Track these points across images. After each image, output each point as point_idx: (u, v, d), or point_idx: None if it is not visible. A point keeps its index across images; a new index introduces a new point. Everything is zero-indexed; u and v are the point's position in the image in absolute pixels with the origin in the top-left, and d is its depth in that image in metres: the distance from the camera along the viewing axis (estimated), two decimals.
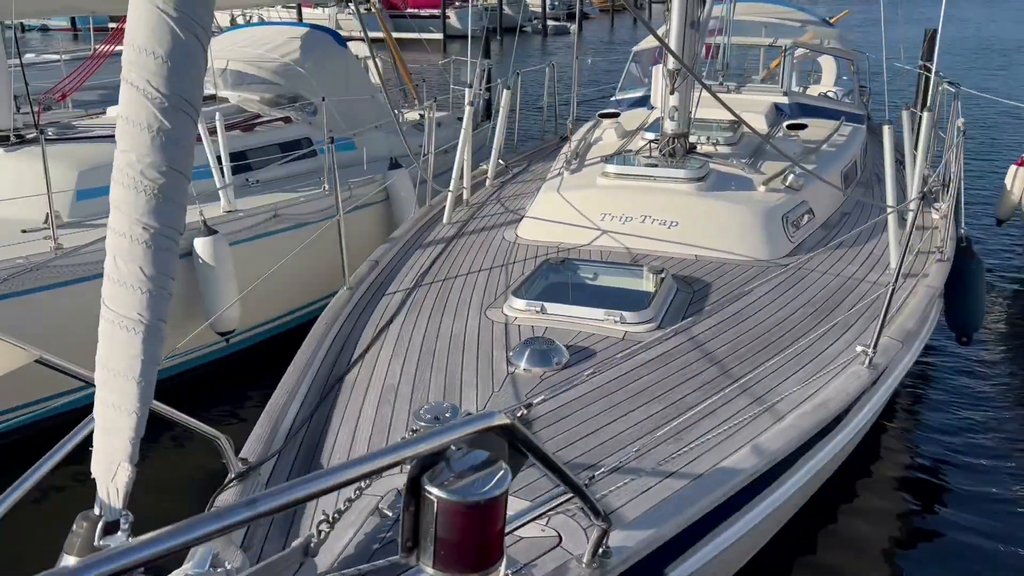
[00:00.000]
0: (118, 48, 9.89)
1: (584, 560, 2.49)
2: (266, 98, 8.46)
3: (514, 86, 9.41)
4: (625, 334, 4.19)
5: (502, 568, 1.55)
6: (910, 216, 5.17)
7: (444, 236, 6.07)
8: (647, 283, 4.69)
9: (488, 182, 7.53)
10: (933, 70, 8.55)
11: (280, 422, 3.45)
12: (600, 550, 2.52)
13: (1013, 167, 9.22)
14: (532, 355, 3.84)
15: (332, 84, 8.69)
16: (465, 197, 6.90)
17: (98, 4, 7.74)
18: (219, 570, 2.26)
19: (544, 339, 3.98)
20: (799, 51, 10.66)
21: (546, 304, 4.37)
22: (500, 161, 7.97)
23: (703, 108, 7.36)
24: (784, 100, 8.19)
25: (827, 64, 11.91)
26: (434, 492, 1.45)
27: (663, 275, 4.76)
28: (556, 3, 49.90)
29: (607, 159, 6.14)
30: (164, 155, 1.62)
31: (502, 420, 1.53)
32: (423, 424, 3.12)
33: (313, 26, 9.43)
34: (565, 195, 5.85)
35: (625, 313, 4.25)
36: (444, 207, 6.47)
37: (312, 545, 2.51)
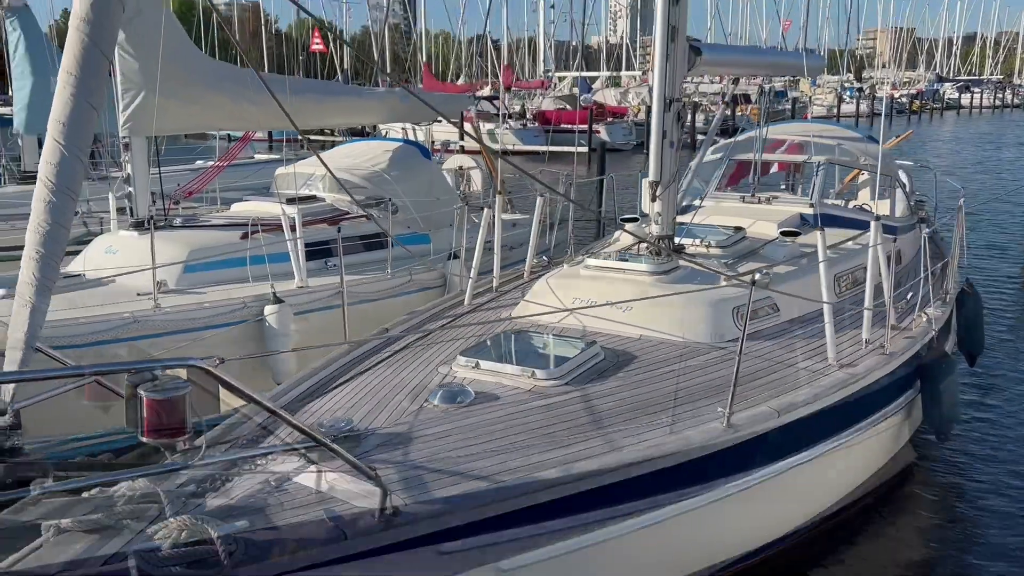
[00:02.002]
0: (236, 161, 12.06)
1: (375, 515, 3.52)
2: (357, 199, 10.11)
3: (568, 192, 10.58)
4: (533, 387, 5.18)
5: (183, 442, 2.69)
6: (825, 310, 5.90)
7: (456, 313, 7.25)
8: (574, 351, 5.65)
9: (526, 275, 8.69)
10: None
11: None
12: (388, 509, 3.54)
13: None
14: (443, 395, 4.92)
15: (414, 188, 10.28)
16: (495, 285, 8.07)
17: (224, 123, 9.75)
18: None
19: (457, 384, 5.05)
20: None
21: (481, 361, 5.44)
22: (544, 257, 9.14)
23: (712, 215, 8.30)
24: (809, 211, 8.95)
25: (902, 179, 12.46)
26: (140, 392, 2.63)
27: (592, 346, 5.72)
28: (710, 118, 51.22)
29: (595, 255, 7.19)
30: (50, 216, 2.95)
31: (197, 363, 2.68)
32: (323, 429, 4.28)
33: (406, 141, 11.13)
34: (552, 283, 6.92)
35: (537, 371, 5.25)
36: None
37: (198, 489, 3.70)
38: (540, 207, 8.72)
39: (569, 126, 38.74)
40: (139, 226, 8.61)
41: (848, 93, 66.82)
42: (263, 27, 38.74)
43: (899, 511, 6.86)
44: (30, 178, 13.19)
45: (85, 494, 3.18)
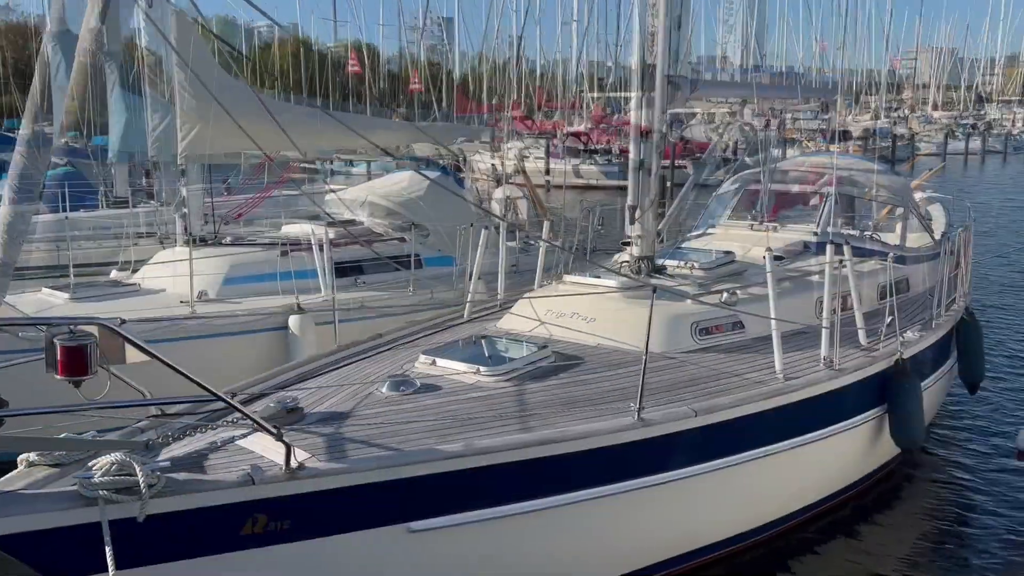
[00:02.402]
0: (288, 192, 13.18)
1: (281, 468, 4.25)
2: (394, 223, 11.02)
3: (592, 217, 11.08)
4: (476, 381, 5.82)
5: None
6: (773, 326, 6.30)
7: (454, 323, 7.93)
8: (525, 352, 6.26)
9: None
10: None
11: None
12: (294, 463, 4.25)
13: None
14: (390, 384, 5.62)
15: (445, 214, 11.10)
16: (500, 300, 8.72)
17: (245, 145, 10.71)
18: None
19: (403, 376, 5.75)
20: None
21: (437, 359, 6.13)
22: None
23: (719, 240, 8.80)
24: (813, 238, 9.31)
25: (935, 211, 12.57)
26: (54, 340, 3.46)
27: (543, 349, 6.32)
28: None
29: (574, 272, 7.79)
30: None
31: (103, 321, 3.49)
32: (271, 405, 5.04)
33: (428, 161, 12.02)
34: (533, 297, 7.55)
35: (482, 367, 5.90)
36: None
37: (151, 443, 4.51)
38: (547, 229, 9.39)
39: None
40: (192, 243, 9.73)
41: (961, 130, 64.88)
42: (301, 49, 40.14)
43: (852, 528, 7.15)
44: None
45: None
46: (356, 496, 4.51)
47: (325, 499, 4.42)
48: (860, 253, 9.11)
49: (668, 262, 8.12)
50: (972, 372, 8.79)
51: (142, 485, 3.84)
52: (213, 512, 4.17)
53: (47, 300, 8.65)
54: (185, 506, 4.08)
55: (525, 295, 7.77)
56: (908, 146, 55.78)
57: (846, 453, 7.07)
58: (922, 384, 7.81)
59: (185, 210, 9.93)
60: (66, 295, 8.67)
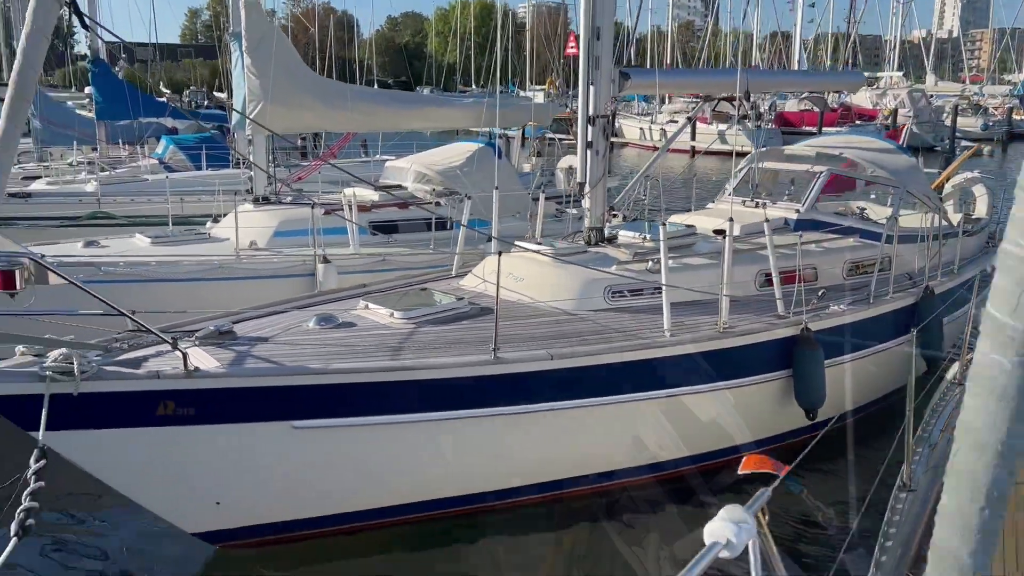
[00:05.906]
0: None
1: (180, 369, 5.82)
2: (437, 190, 12.48)
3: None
4: (388, 323, 7.17)
5: None
6: (664, 290, 7.18)
7: (439, 279, 9.26)
8: (443, 302, 7.53)
9: None
10: None
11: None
12: (191, 367, 5.82)
13: None
14: (315, 320, 7.07)
15: (481, 182, 12.41)
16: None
17: (321, 124, 12.42)
18: None
19: (329, 314, 7.19)
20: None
21: (370, 304, 7.52)
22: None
23: (707, 215, 9.69)
24: (794, 216, 9.93)
25: (979, 193, 12.57)
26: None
27: (460, 301, 7.56)
28: (990, 123, 46.80)
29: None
30: None
31: (30, 254, 5.16)
32: (210, 328, 6.64)
33: (487, 143, 13.27)
34: (489, 260, 8.76)
35: (396, 312, 7.24)
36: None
37: (110, 347, 6.25)
38: (543, 200, 10.51)
39: (810, 128, 38.19)
40: (256, 201, 11.64)
41: None
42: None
43: (707, 490, 7.55)
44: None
45: None
46: (247, 396, 6.01)
47: (222, 395, 5.95)
48: (839, 231, 9.68)
49: (624, 233, 9.06)
50: (929, 348, 9.14)
51: (76, 371, 5.50)
52: (134, 395, 5.80)
53: (135, 243, 10.83)
54: (112, 388, 5.72)
55: (488, 257, 9.00)
56: None
57: (743, 410, 7.79)
58: (850, 355, 8.38)
59: (252, 173, 11.86)
60: (149, 240, 10.80)
